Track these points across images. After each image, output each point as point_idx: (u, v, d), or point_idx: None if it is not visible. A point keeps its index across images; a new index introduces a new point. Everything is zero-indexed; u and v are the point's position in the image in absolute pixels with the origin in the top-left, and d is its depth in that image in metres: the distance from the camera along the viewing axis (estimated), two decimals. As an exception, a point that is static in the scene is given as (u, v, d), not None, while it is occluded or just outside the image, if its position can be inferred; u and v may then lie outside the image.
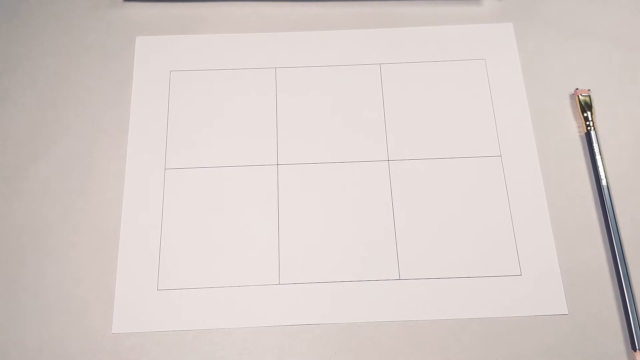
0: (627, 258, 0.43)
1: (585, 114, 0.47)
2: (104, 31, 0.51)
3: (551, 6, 0.52)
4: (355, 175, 0.46)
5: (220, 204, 0.45)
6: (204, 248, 0.44)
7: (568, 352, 0.41)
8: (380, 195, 0.45)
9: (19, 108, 0.48)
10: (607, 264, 0.43)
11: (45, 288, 0.43)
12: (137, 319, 0.42)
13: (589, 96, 0.48)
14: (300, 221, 0.45)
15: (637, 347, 0.40)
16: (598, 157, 0.46)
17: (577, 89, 0.48)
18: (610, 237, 0.43)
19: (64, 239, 0.44)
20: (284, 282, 0.43)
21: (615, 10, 0.52)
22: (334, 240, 0.44)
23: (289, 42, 0.51)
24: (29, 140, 0.47)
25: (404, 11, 0.52)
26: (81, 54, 0.50)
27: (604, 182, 0.45)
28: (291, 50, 0.50)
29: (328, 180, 0.46)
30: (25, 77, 0.50)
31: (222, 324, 0.42)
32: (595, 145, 0.46)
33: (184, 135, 0.47)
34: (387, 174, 0.46)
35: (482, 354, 0.41)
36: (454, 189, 0.45)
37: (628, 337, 0.41)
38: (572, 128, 0.48)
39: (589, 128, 0.47)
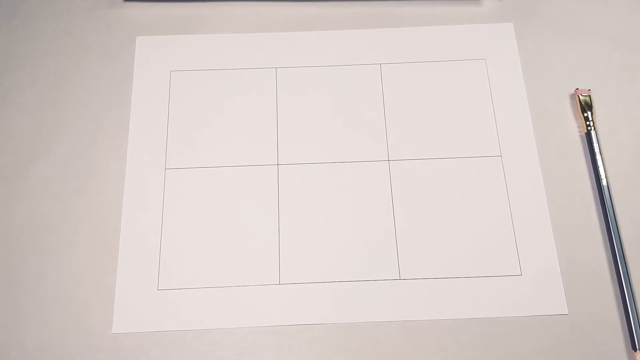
0: (627, 258, 0.43)
1: (585, 114, 0.47)
2: (104, 31, 0.51)
3: (551, 6, 0.52)
4: (355, 175, 0.46)
5: (221, 204, 0.45)
6: (204, 248, 0.44)
7: (568, 352, 0.41)
8: (380, 195, 0.45)
9: (19, 108, 0.48)
10: (607, 263, 0.43)
11: (45, 288, 0.43)
12: (137, 319, 0.42)
13: (589, 96, 0.48)
14: (300, 221, 0.45)
15: (637, 347, 0.40)
16: (598, 157, 0.46)
17: (577, 89, 0.48)
18: (610, 237, 0.43)
19: (64, 239, 0.44)
20: (283, 282, 0.43)
21: (615, 10, 0.52)
22: (334, 241, 0.44)
23: (289, 42, 0.51)
24: (29, 140, 0.47)
25: (404, 11, 0.52)
26: (81, 54, 0.50)
27: (604, 182, 0.45)
28: (291, 50, 0.50)
29: (328, 180, 0.46)
30: (25, 77, 0.50)
31: (222, 324, 0.42)
32: (595, 145, 0.46)
33: (184, 135, 0.47)
34: (387, 174, 0.46)
35: (482, 354, 0.41)
36: (454, 188, 0.45)
37: (628, 337, 0.41)
38: (572, 128, 0.48)
39: (589, 128, 0.47)
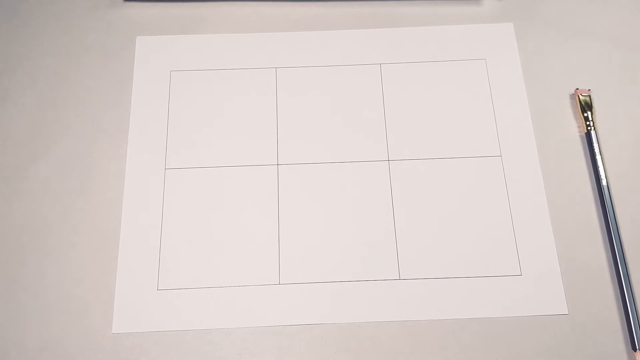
0: (627, 258, 0.43)
1: (585, 114, 0.47)
2: (104, 31, 0.51)
3: (551, 6, 0.52)
4: (355, 175, 0.46)
5: (220, 204, 0.45)
6: (204, 248, 0.44)
7: (568, 352, 0.41)
8: (380, 195, 0.45)
9: (19, 108, 0.48)
10: (607, 264, 0.43)
11: (45, 288, 0.43)
12: (137, 319, 0.42)
13: (589, 96, 0.48)
14: (300, 221, 0.45)
15: (637, 347, 0.40)
16: (598, 157, 0.46)
17: (577, 89, 0.48)
18: (610, 237, 0.43)
19: (64, 239, 0.44)
20: (283, 282, 0.43)
21: (615, 10, 0.52)
22: (334, 241, 0.44)
23: (289, 42, 0.51)
24: (29, 140, 0.47)
25: (404, 11, 0.52)
26: (81, 54, 0.50)
27: (604, 182, 0.45)
28: (291, 50, 0.50)
29: (328, 180, 0.46)
30: (25, 77, 0.50)
31: (222, 324, 0.42)
32: (595, 145, 0.46)
33: (184, 135, 0.47)
34: (387, 174, 0.46)
35: (482, 354, 0.41)
36: (454, 189, 0.45)
37: (628, 337, 0.41)
38: (572, 128, 0.48)
39: (589, 128, 0.47)
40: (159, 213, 0.45)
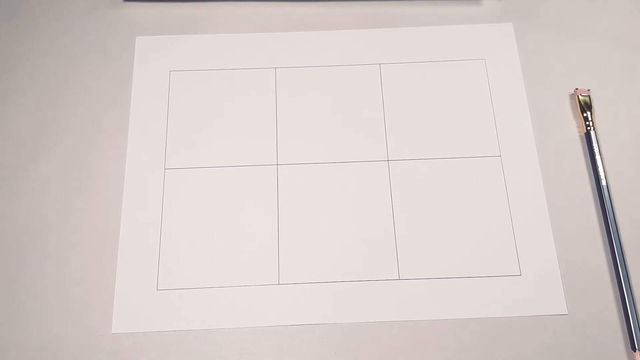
0: (627, 258, 0.43)
1: (585, 114, 0.47)
2: (104, 31, 0.51)
3: (551, 6, 0.52)
4: (355, 175, 0.46)
5: (220, 204, 0.45)
6: (204, 248, 0.44)
7: (568, 352, 0.41)
8: (380, 195, 0.45)
9: (19, 108, 0.48)
10: (607, 264, 0.43)
11: (45, 288, 0.43)
12: (137, 319, 0.42)
13: (589, 96, 0.48)
14: (300, 221, 0.45)
15: (637, 347, 0.40)
16: (598, 157, 0.46)
17: (577, 89, 0.48)
18: (610, 237, 0.43)
19: (64, 239, 0.44)
20: (283, 282, 0.43)
21: (615, 10, 0.52)
22: (334, 240, 0.44)
23: (289, 42, 0.51)
24: (29, 140, 0.47)
25: (404, 11, 0.52)
26: (81, 54, 0.50)
27: (603, 182, 0.45)
28: (291, 50, 0.50)
29: (328, 180, 0.46)
30: (25, 77, 0.50)
31: (222, 324, 0.42)
32: (595, 145, 0.46)
33: (184, 135, 0.47)
34: (387, 174, 0.46)
35: (482, 354, 0.41)
36: (454, 189, 0.45)
37: (628, 337, 0.41)
38: (572, 128, 0.48)
39: (588, 128, 0.47)
40: (158, 213, 0.45)
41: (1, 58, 0.50)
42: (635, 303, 0.42)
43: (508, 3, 0.52)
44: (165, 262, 0.43)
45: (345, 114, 0.48)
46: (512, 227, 0.44)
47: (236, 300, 0.42)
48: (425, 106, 0.48)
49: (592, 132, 0.46)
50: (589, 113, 0.47)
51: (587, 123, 0.47)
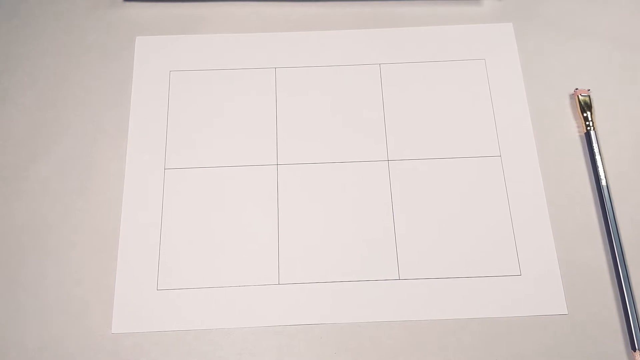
0: (627, 258, 0.43)
1: (585, 114, 0.47)
2: (104, 31, 0.51)
3: (551, 6, 0.52)
4: (355, 175, 0.46)
5: (220, 204, 0.45)
6: (204, 248, 0.44)
7: (568, 352, 0.41)
8: (380, 195, 0.45)
9: (19, 108, 0.48)
10: (607, 264, 0.43)
11: (45, 288, 0.43)
12: (137, 319, 0.42)
13: (589, 96, 0.48)
14: (300, 221, 0.45)
15: (637, 347, 0.40)
16: (598, 157, 0.46)
17: (577, 89, 0.48)
18: (610, 237, 0.43)
19: (64, 239, 0.44)
20: (283, 282, 0.43)
21: (615, 10, 0.52)
22: (334, 241, 0.44)
23: (289, 42, 0.51)
24: (29, 140, 0.47)
25: (404, 11, 0.52)
26: (81, 54, 0.51)
27: (603, 182, 0.45)
28: (291, 50, 0.50)
29: (328, 180, 0.46)
30: (25, 77, 0.50)
31: (222, 324, 0.42)
32: (595, 145, 0.46)
33: (184, 135, 0.47)
34: (387, 174, 0.46)
35: (482, 354, 0.41)
36: (454, 189, 0.45)
37: (628, 337, 0.41)
38: (572, 128, 0.48)
39: (588, 128, 0.47)
40: (158, 213, 0.45)
41: (1, 58, 0.50)
42: (635, 303, 0.42)
43: (508, 3, 0.52)
44: (165, 262, 0.43)
45: (345, 114, 0.48)
46: (512, 227, 0.44)
47: (236, 300, 0.42)
48: (425, 106, 0.48)
49: (592, 132, 0.46)
50: (589, 113, 0.47)
51: (587, 123, 0.47)
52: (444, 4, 0.52)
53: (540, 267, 0.43)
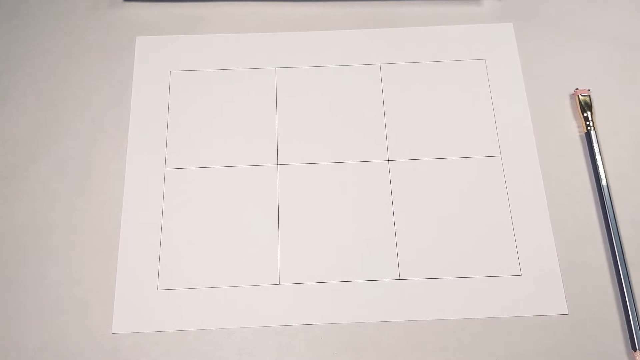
0: (627, 258, 0.43)
1: (585, 114, 0.47)
2: (104, 31, 0.51)
3: (551, 6, 0.52)
4: (355, 175, 0.46)
5: (221, 204, 0.45)
6: (204, 248, 0.44)
7: (568, 352, 0.41)
8: (380, 195, 0.45)
9: (19, 108, 0.48)
10: (607, 264, 0.43)
11: (45, 288, 0.43)
12: (137, 319, 0.42)
13: (589, 96, 0.48)
14: (300, 221, 0.45)
15: (637, 347, 0.40)
16: (598, 157, 0.46)
17: (577, 89, 0.48)
18: (610, 237, 0.43)
19: (64, 239, 0.44)
20: (283, 282, 0.43)
21: (615, 10, 0.52)
22: (334, 241, 0.44)
23: (289, 42, 0.51)
24: (29, 140, 0.47)
25: (404, 11, 0.52)
26: (81, 54, 0.50)
27: (604, 182, 0.45)
28: (291, 50, 0.50)
29: (328, 180, 0.46)
30: (25, 77, 0.50)
31: (222, 324, 0.42)
32: (595, 145, 0.46)
33: (184, 135, 0.47)
34: (387, 174, 0.46)
35: (482, 354, 0.41)
36: (454, 189, 0.45)
37: (628, 337, 0.41)
38: (572, 128, 0.48)
39: (589, 128, 0.47)
40: (158, 213, 0.45)
41: (1, 58, 0.50)
42: (636, 303, 0.42)
43: (508, 3, 0.52)
44: (166, 262, 0.43)
45: (345, 114, 0.48)
46: (512, 227, 0.44)
47: (236, 300, 0.42)
48: (425, 106, 0.48)
49: (592, 132, 0.46)
50: (589, 113, 0.47)
51: (588, 123, 0.47)
52: (444, 4, 0.52)
53: (540, 267, 0.43)
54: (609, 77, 0.49)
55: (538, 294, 0.42)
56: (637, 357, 0.40)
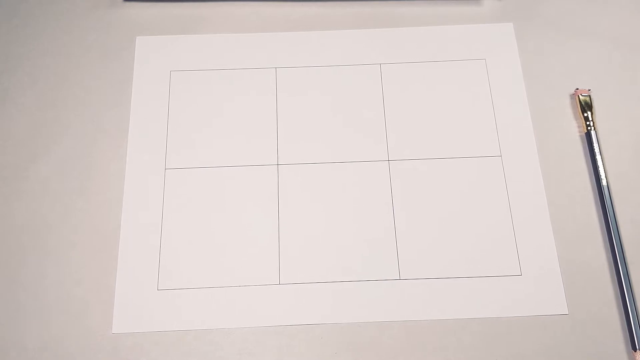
0: (627, 258, 0.43)
1: (585, 114, 0.47)
2: (104, 31, 0.51)
3: (551, 6, 0.52)
4: (355, 175, 0.46)
5: (221, 204, 0.45)
6: (204, 248, 0.44)
7: (568, 352, 0.41)
8: (380, 195, 0.45)
9: (19, 108, 0.48)
10: (607, 264, 0.43)
11: (45, 288, 0.43)
12: (137, 319, 0.42)
13: (589, 96, 0.48)
14: (301, 221, 0.45)
15: (637, 347, 0.40)
16: (598, 157, 0.46)
17: (577, 89, 0.48)
18: (610, 237, 0.43)
19: (64, 239, 0.44)
20: (284, 282, 0.43)
21: (615, 10, 0.52)
22: (334, 241, 0.44)
23: (289, 42, 0.51)
24: (29, 140, 0.47)
25: (404, 11, 0.52)
26: (81, 54, 0.50)
27: (604, 182, 0.45)
28: (291, 50, 0.50)
29: (328, 180, 0.46)
30: (25, 77, 0.50)
31: (222, 324, 0.42)
32: (595, 145, 0.46)
33: (184, 135, 0.47)
34: (387, 174, 0.46)
35: (482, 354, 0.41)
36: (454, 189, 0.45)
37: (628, 337, 0.41)
38: (572, 128, 0.48)
39: (589, 128, 0.47)
40: (159, 213, 0.45)
41: (1, 58, 0.50)
42: (636, 303, 0.42)
43: (508, 3, 0.52)
44: (166, 262, 0.43)
45: (345, 113, 0.48)
46: (512, 227, 0.44)
47: (236, 300, 0.42)
48: (425, 106, 0.48)
49: (592, 132, 0.46)
50: (589, 113, 0.47)
51: (588, 123, 0.47)
52: (444, 4, 0.52)
53: (540, 267, 0.43)
54: (609, 77, 0.49)
55: (538, 294, 0.42)
56: (637, 357, 0.40)
